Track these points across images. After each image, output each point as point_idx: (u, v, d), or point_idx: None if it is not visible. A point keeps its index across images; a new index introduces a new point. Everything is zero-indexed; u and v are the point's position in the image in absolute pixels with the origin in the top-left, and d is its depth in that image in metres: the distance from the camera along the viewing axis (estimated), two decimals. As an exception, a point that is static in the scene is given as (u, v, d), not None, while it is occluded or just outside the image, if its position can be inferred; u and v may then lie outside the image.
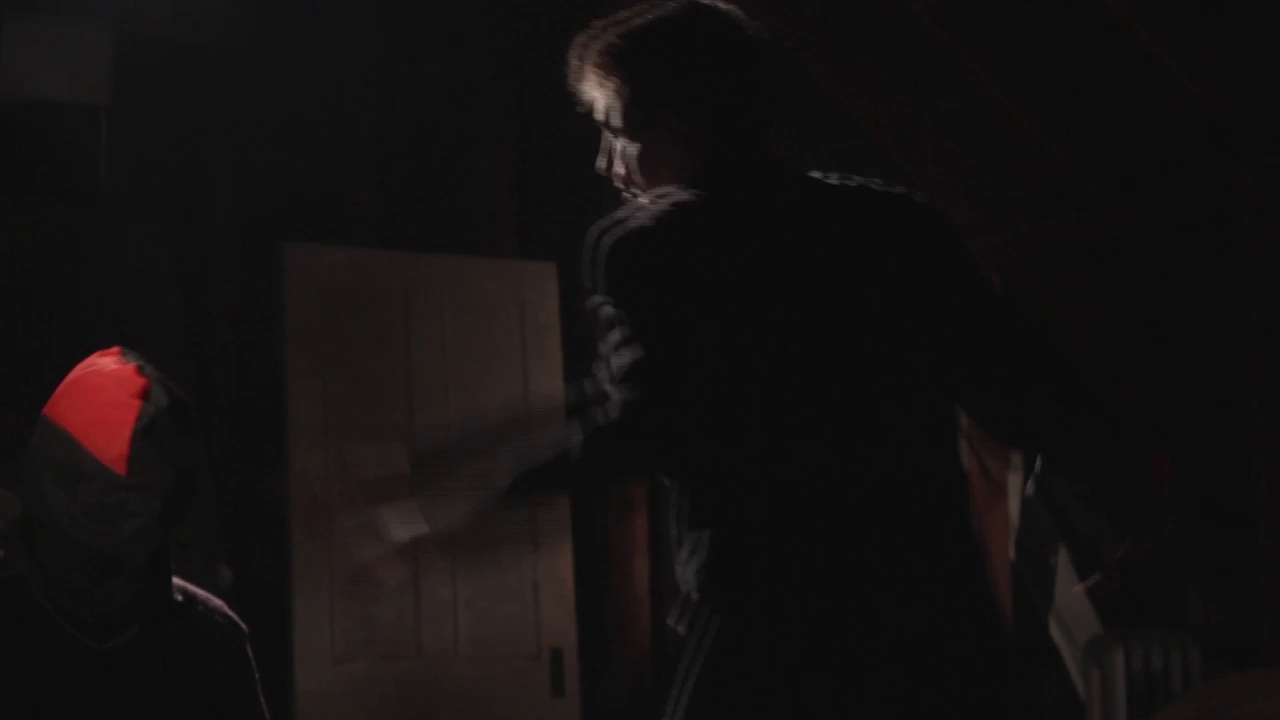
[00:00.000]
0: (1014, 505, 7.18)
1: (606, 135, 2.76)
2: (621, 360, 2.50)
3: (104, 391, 3.07)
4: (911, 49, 6.71)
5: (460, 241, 7.71)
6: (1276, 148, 5.80)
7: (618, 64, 2.68)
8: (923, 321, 2.57)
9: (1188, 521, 7.10)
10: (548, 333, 7.64)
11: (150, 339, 6.84)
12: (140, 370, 3.12)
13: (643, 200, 2.63)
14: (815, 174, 2.69)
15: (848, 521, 2.50)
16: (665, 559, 7.81)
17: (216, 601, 3.32)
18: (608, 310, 2.54)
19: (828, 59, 7.06)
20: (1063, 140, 6.45)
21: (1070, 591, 7.19)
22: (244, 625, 3.33)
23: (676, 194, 2.58)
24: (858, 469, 2.52)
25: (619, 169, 2.74)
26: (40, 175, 7.45)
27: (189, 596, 3.27)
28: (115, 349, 3.19)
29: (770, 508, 2.50)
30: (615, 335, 2.53)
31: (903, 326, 2.56)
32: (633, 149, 2.70)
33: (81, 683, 3.12)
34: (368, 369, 7.36)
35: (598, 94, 2.73)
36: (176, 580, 3.25)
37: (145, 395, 3.07)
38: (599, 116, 2.75)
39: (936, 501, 2.56)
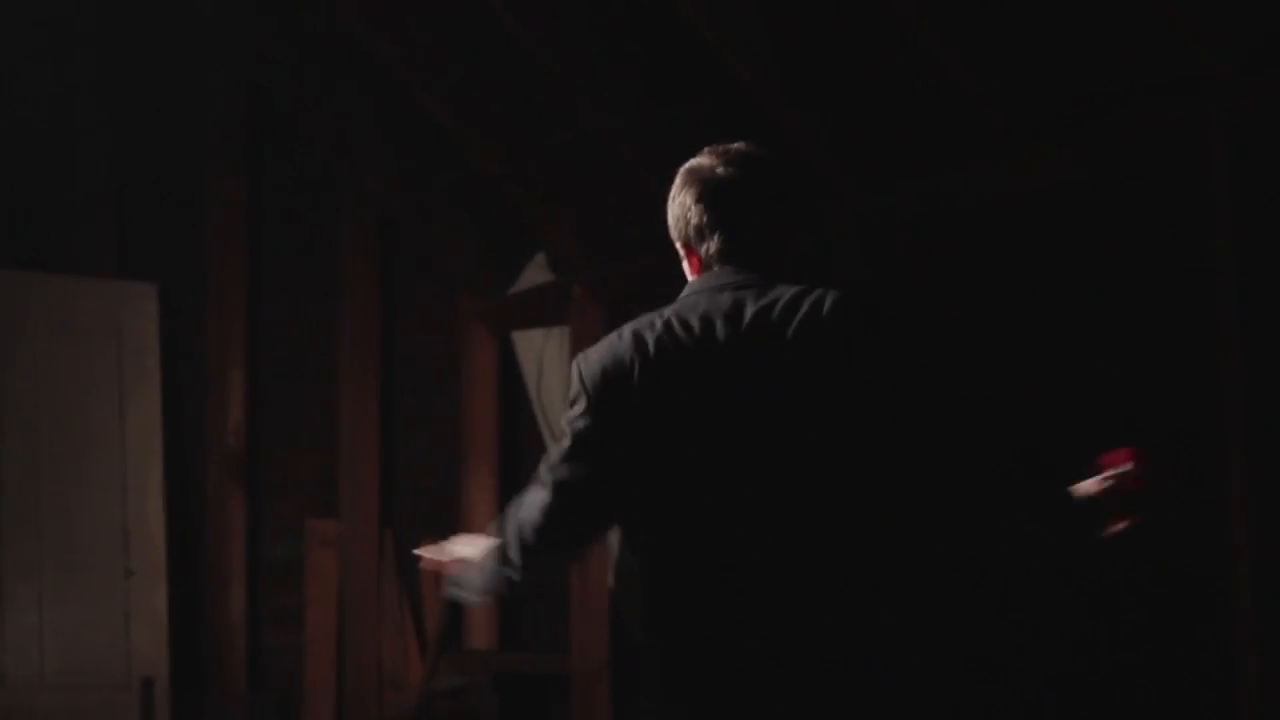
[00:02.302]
0: (613, 534, 7.25)
1: None
2: (561, 456, 3.20)
3: None
4: (525, 82, 6.75)
5: (57, 260, 7.50)
6: (874, 190, 5.99)
7: (669, 208, 3.35)
8: (848, 417, 3.10)
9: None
10: (146, 355, 7.49)
11: None
12: None
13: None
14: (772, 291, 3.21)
15: (753, 589, 3.07)
16: (264, 587, 7.70)
17: None
18: (570, 410, 3.20)
19: (441, 91, 7.07)
20: (667, 177, 6.54)
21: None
22: None
23: (641, 319, 3.26)
24: (766, 537, 3.08)
25: None
26: None
27: None
28: None
29: (689, 570, 3.14)
30: (574, 418, 3.19)
31: (825, 421, 3.10)
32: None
33: None
34: (-44, 389, 7.13)
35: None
36: None
37: None
38: None
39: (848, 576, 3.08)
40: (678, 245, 3.33)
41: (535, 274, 7.50)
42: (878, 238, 6.10)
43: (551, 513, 3.22)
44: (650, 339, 3.20)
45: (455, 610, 7.55)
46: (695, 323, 3.20)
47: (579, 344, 7.01)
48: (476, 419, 7.61)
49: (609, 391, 3.17)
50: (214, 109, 7.70)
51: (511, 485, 7.72)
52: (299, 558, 7.73)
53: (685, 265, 3.34)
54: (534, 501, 3.23)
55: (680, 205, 3.31)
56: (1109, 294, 5.57)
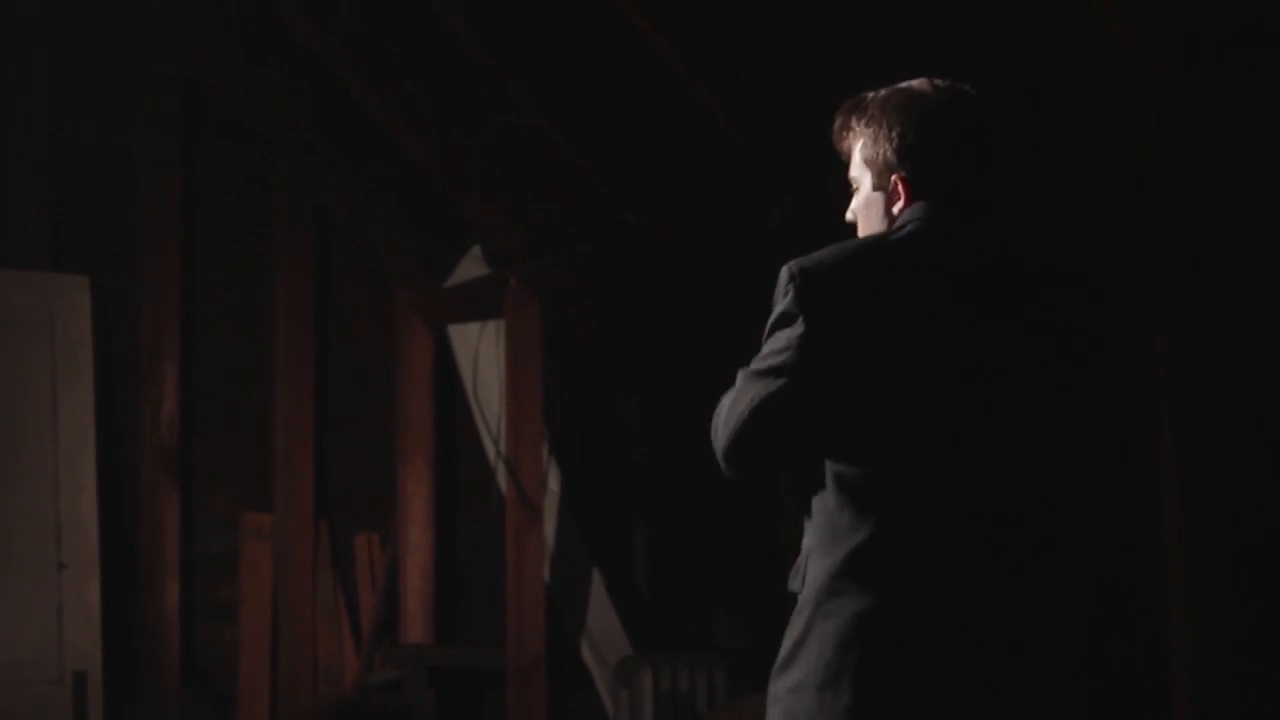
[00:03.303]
0: (549, 528, 7.27)
1: (853, 190, 3.19)
2: (769, 382, 2.94)
3: None
4: (458, 73, 6.74)
5: (-11, 252, 7.46)
6: (808, 180, 6.00)
7: (871, 128, 3.11)
8: (1060, 377, 3.04)
9: (715, 547, 7.29)
10: (80, 348, 7.44)
11: None
12: None
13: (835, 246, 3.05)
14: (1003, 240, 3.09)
15: (995, 527, 2.96)
16: (198, 581, 7.67)
17: None
18: (789, 321, 2.95)
19: (375, 83, 7.05)
20: (603, 168, 6.56)
21: (601, 613, 7.30)
22: None
23: (868, 242, 3.06)
24: (1004, 483, 2.98)
25: (851, 215, 3.19)
26: None
27: None
28: None
29: (928, 510, 2.95)
30: (783, 341, 2.94)
31: (1046, 378, 3.03)
32: (864, 200, 3.14)
33: None
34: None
35: (851, 151, 3.16)
36: None
37: None
38: (850, 171, 3.17)
39: (1066, 523, 3.03)
40: (889, 175, 3.06)
41: (471, 267, 7.49)
42: (818, 230, 6.11)
43: (744, 429, 2.95)
44: (893, 267, 2.98)
45: (390, 604, 7.55)
46: (948, 264, 3.00)
47: (515, 338, 7.01)
48: (412, 412, 7.60)
49: (840, 312, 2.94)
50: (149, 100, 7.66)
51: (447, 478, 7.71)
52: (233, 551, 7.70)
53: (882, 198, 3.09)
54: (729, 409, 2.97)
55: (924, 132, 3.04)
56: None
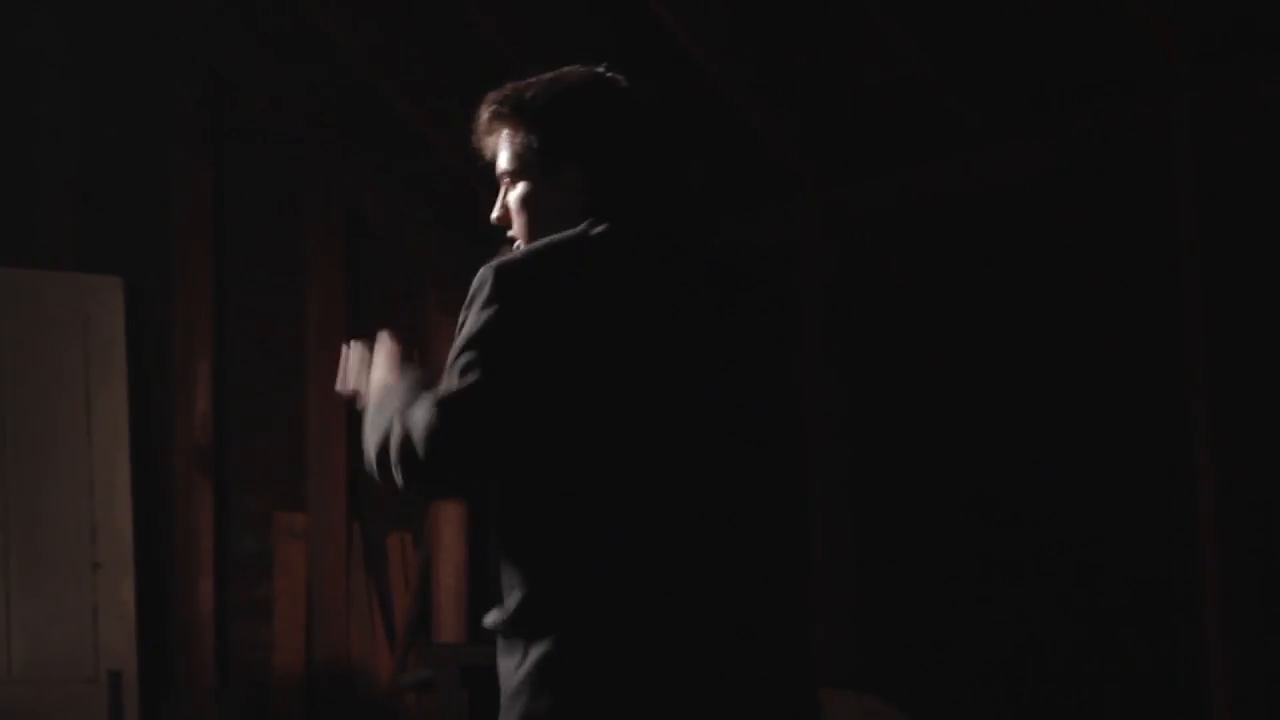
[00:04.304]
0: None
1: (504, 186, 2.95)
2: (465, 380, 2.72)
3: None
4: (487, 73, 6.72)
5: (21, 253, 7.47)
6: (840, 183, 5.99)
7: (531, 117, 2.91)
8: (757, 396, 2.85)
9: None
10: (112, 348, 7.45)
11: None
12: None
13: (528, 245, 2.86)
14: (687, 239, 2.91)
15: (687, 567, 2.73)
16: (232, 580, 7.68)
17: None
18: (474, 331, 2.75)
19: (403, 84, 7.05)
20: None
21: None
22: None
23: (567, 239, 2.81)
24: (703, 524, 2.75)
25: (508, 214, 2.96)
26: None
27: None
28: None
29: (613, 546, 2.71)
30: (468, 355, 2.74)
31: (744, 396, 2.83)
32: (526, 195, 2.91)
33: None
34: (-79, 384, 7.09)
35: (503, 144, 2.94)
36: None
37: None
38: (501, 165, 2.94)
39: (768, 562, 2.81)
40: (564, 168, 2.86)
41: (501, 266, 7.48)
42: (844, 231, 6.10)
43: (435, 444, 2.73)
44: (592, 266, 2.77)
45: (424, 603, 7.55)
46: (643, 263, 2.81)
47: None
48: (444, 411, 7.59)
49: (537, 310, 2.73)
50: (178, 101, 7.66)
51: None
52: (267, 551, 7.71)
53: (555, 192, 2.86)
54: (420, 422, 2.76)
55: (602, 123, 2.90)
56: (1075, 286, 5.58)
